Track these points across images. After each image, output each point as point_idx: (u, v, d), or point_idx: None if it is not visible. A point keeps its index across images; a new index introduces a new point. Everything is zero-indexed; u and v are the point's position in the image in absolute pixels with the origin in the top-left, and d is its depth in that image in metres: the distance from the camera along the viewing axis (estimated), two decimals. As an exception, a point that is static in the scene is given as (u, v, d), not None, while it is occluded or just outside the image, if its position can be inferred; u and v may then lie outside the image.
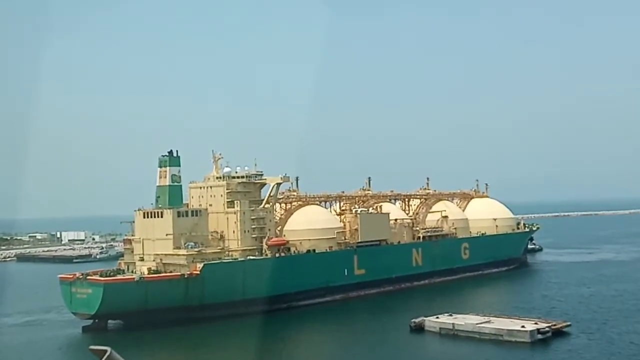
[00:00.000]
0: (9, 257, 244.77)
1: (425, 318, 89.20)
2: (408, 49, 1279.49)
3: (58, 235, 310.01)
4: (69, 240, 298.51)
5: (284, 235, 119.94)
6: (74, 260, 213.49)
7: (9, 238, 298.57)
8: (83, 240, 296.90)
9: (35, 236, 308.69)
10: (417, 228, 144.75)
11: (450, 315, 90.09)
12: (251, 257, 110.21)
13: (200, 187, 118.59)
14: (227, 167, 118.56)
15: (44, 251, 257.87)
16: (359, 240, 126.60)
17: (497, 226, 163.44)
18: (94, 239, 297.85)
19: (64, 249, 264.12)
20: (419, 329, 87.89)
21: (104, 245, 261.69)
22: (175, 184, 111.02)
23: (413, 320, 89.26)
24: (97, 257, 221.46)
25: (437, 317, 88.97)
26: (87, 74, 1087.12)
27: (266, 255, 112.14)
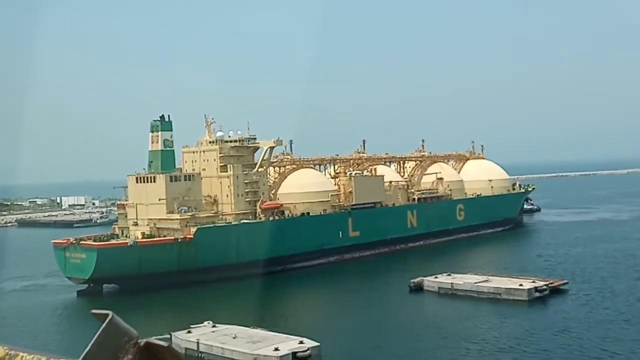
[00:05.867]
0: (9, 222, 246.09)
1: (424, 278, 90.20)
2: (404, 14, 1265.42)
3: (58, 201, 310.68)
4: (69, 205, 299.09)
5: (278, 199, 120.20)
6: (75, 225, 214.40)
7: (9, 203, 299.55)
8: (83, 205, 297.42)
9: (35, 201, 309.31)
10: (412, 190, 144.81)
11: (449, 275, 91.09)
12: (245, 221, 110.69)
13: (193, 152, 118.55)
14: (220, 131, 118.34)
15: (44, 216, 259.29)
16: (354, 203, 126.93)
17: (492, 187, 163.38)
18: (94, 203, 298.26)
19: (65, 214, 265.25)
20: (418, 288, 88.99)
21: (104, 209, 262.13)
22: (168, 148, 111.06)
23: (412, 280, 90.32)
24: (98, 221, 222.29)
25: (436, 277, 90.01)
26: (85, 42, 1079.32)
27: (260, 218, 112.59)
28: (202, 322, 67.53)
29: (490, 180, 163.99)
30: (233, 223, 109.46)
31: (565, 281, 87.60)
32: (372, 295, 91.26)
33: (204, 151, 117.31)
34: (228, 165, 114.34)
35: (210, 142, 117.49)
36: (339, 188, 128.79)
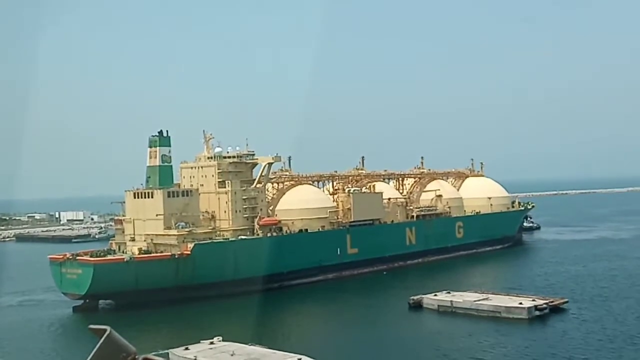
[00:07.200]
0: (8, 237, 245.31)
1: (423, 296, 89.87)
2: (402, 29, 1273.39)
3: (57, 216, 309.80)
4: (67, 220, 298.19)
5: (276, 215, 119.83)
6: (73, 240, 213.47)
7: (7, 218, 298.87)
8: (82, 220, 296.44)
9: (34, 216, 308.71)
10: (411, 207, 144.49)
11: (449, 292, 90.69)
12: (242, 237, 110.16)
13: (192, 167, 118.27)
14: (218, 147, 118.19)
15: (42, 231, 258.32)
16: (352, 220, 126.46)
17: (491, 205, 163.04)
18: (92, 219, 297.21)
19: (63, 229, 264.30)
20: (417, 306, 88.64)
21: (102, 225, 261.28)
22: (166, 164, 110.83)
23: (411, 297, 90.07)
24: (96, 237, 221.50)
25: (435, 295, 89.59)
26: (85, 56, 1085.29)
27: (258, 235, 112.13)
28: (206, 338, 66.65)
29: (489, 198, 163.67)
30: (231, 239, 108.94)
31: (566, 300, 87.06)
32: (371, 313, 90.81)
33: (202, 167, 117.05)
34: (226, 181, 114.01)
35: (208, 157, 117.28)
36: (338, 205, 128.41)
